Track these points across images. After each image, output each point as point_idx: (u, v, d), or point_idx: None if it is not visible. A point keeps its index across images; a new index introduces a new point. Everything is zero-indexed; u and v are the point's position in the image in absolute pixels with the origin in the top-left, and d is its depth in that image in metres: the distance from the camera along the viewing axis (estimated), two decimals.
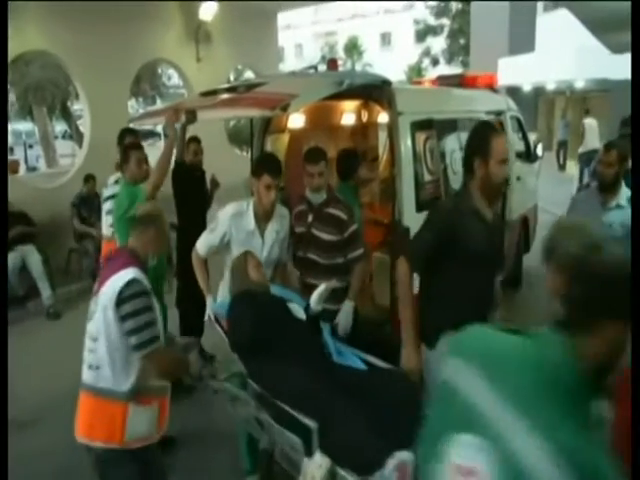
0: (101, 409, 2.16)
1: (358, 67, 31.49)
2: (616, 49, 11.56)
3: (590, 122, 13.65)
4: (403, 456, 1.90)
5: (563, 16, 9.58)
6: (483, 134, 2.35)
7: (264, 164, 2.95)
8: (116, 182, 3.73)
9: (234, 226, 2.95)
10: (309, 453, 2.08)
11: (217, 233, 2.97)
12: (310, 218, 3.17)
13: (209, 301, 2.99)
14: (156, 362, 2.14)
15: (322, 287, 2.71)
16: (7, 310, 5.46)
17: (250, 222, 2.96)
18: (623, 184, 3.33)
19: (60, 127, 22.46)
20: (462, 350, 1.25)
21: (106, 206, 3.75)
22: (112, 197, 3.70)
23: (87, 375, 2.19)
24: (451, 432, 1.16)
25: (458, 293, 2.32)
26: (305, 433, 2.11)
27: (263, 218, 2.99)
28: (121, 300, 2.03)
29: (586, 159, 12.68)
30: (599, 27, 8.63)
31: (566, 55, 16.07)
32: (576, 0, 6.52)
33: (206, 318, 2.95)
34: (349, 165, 3.77)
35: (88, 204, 6.37)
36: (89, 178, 6.55)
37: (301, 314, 2.69)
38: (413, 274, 2.37)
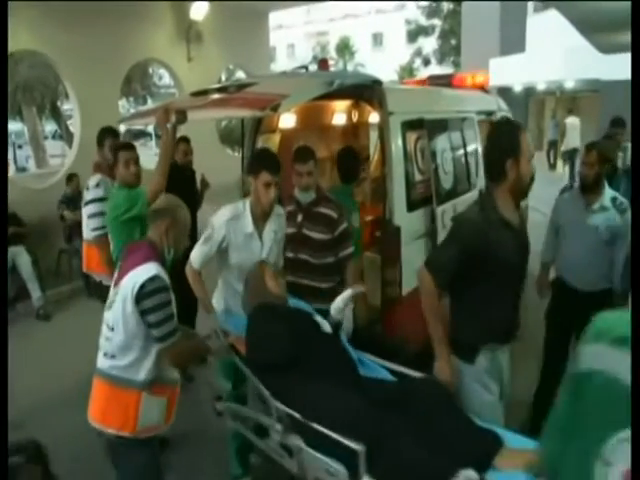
0: (115, 397, 2.18)
1: (350, 67, 31.53)
2: (605, 50, 11.65)
3: (572, 121, 13.84)
4: (470, 475, 1.73)
5: (553, 17, 9.65)
6: (511, 132, 2.20)
7: (262, 161, 2.80)
8: (97, 185, 3.65)
9: (231, 231, 2.75)
10: None
11: (213, 241, 2.75)
12: (300, 218, 3.16)
13: (212, 316, 2.78)
14: (176, 353, 2.17)
15: (346, 294, 2.57)
16: (7, 310, 5.46)
17: (248, 224, 2.78)
18: (606, 185, 3.33)
19: (50, 127, 22.29)
20: (607, 335, 1.15)
21: (87, 210, 3.66)
22: (94, 201, 3.62)
23: (102, 362, 2.21)
24: (608, 429, 1.05)
25: (489, 305, 2.21)
26: (348, 458, 1.90)
27: (261, 219, 2.83)
28: (142, 296, 2.04)
29: (569, 157, 12.82)
30: (588, 28, 8.69)
31: (556, 55, 16.18)
32: (564, 0, 6.56)
33: (212, 333, 2.61)
34: (351, 166, 3.72)
35: (74, 203, 6.33)
36: (72, 177, 6.59)
37: (326, 326, 2.54)
38: (437, 285, 2.21)
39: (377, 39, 34.70)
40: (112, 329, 2.14)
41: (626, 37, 9.48)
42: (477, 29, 19.99)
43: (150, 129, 21.21)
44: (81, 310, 5.44)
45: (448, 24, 25.89)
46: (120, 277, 2.16)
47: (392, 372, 2.46)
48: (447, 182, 4.02)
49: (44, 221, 6.58)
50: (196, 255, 2.80)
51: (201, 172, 4.77)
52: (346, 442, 1.88)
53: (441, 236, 3.74)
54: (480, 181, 4.69)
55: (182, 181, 4.25)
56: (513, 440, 1.93)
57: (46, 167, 16.29)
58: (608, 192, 3.30)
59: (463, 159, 4.40)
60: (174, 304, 2.18)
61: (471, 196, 4.45)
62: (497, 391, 2.30)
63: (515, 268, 2.24)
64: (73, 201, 6.39)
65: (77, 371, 4.25)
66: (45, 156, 17.47)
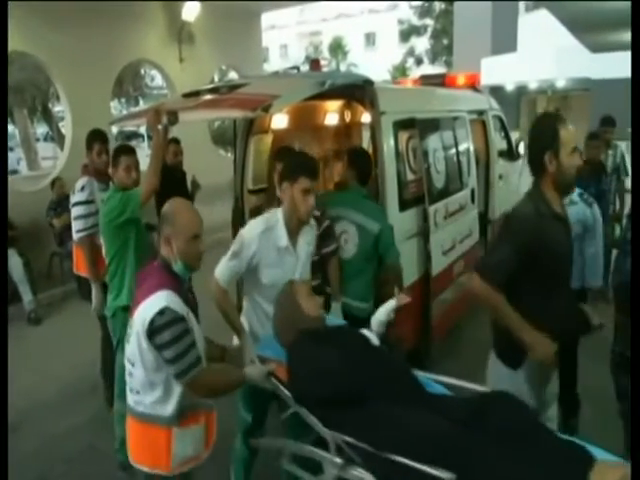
0: (144, 434, 2.04)
1: (343, 67, 31.56)
2: (595, 49, 11.71)
3: None
4: None
5: (544, 16, 9.70)
6: (548, 125, 2.16)
7: (300, 165, 2.52)
8: (82, 188, 3.65)
9: (263, 245, 2.46)
10: None
11: (243, 257, 2.44)
12: None
13: (248, 340, 2.41)
14: (201, 386, 1.98)
15: (389, 305, 2.38)
16: (7, 311, 5.43)
17: (282, 237, 2.49)
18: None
19: (41, 129, 22.17)
20: None
21: (73, 212, 3.67)
22: (78, 203, 3.64)
23: (129, 399, 2.06)
24: None
25: (540, 305, 2.11)
26: None
27: (295, 230, 2.55)
28: (153, 331, 1.87)
29: None
30: (578, 27, 8.75)
31: (547, 55, 16.29)
32: (554, 0, 6.60)
33: (247, 358, 2.29)
34: (365, 165, 3.41)
35: (61, 207, 6.28)
36: (55, 182, 6.62)
37: (374, 339, 2.32)
38: (493, 286, 2.10)
39: (370, 39, 34.74)
40: (133, 364, 1.99)
41: (616, 36, 9.55)
42: (469, 29, 20.05)
43: (142, 130, 21.15)
44: (73, 313, 5.40)
45: (440, 24, 25.97)
46: (134, 307, 1.99)
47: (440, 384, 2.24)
48: (439, 181, 4.04)
49: (36, 224, 6.54)
50: (222, 271, 2.48)
51: (192, 173, 4.76)
52: (434, 472, 1.64)
53: (433, 235, 3.76)
54: (472, 180, 4.72)
55: (173, 182, 4.24)
56: (598, 454, 1.76)
57: (38, 169, 16.17)
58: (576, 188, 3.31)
59: (455, 158, 4.42)
60: (194, 330, 1.98)
61: (463, 195, 4.48)
62: (537, 399, 2.22)
63: (567, 263, 2.16)
64: (60, 205, 6.35)
65: (69, 374, 4.25)
66: (37, 158, 17.36)
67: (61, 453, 3.46)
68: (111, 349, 3.39)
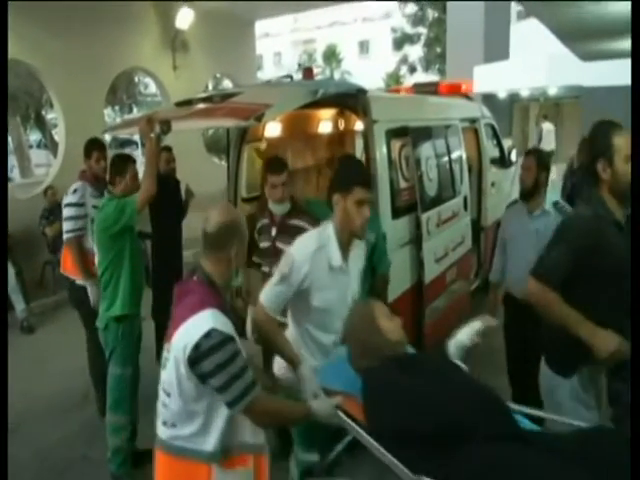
0: (180, 472, 1.78)
1: (337, 75, 31.72)
2: (585, 57, 11.84)
3: (547, 126, 14.31)
4: None
5: (536, 25, 9.80)
6: (602, 132, 2.13)
7: (354, 175, 2.30)
8: (74, 191, 3.75)
9: (315, 265, 2.21)
10: None
11: (294, 280, 2.19)
12: (274, 231, 3.12)
13: (309, 371, 2.12)
14: (261, 412, 1.76)
15: (473, 327, 2.13)
16: (7, 312, 5.39)
17: (335, 255, 2.26)
18: (547, 190, 3.26)
19: (35, 136, 22.12)
20: None
21: (65, 212, 3.77)
22: (68, 205, 3.73)
23: (162, 431, 1.80)
24: None
25: (595, 312, 2.03)
26: None
27: (346, 246, 2.31)
28: (198, 357, 1.63)
29: None
30: (568, 36, 8.84)
31: (539, 62, 16.44)
32: (544, 10, 6.67)
33: (310, 393, 2.02)
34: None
35: (54, 215, 6.27)
36: (47, 190, 6.63)
37: (465, 368, 2.07)
38: (552, 289, 2.06)
39: (364, 47, 34.95)
40: (168, 394, 1.75)
41: (605, 45, 9.66)
42: (462, 37, 20.22)
43: (136, 138, 21.13)
44: (65, 322, 5.37)
45: (433, 32, 26.17)
46: (173, 329, 1.73)
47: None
48: (432, 189, 4.06)
49: (28, 232, 6.51)
50: (270, 298, 2.23)
51: (186, 181, 4.76)
52: None
53: (426, 243, 3.77)
54: (464, 187, 4.74)
55: (166, 191, 4.24)
56: None
57: (31, 177, 16.14)
58: (550, 197, 3.26)
59: (447, 166, 4.44)
60: (243, 349, 1.75)
61: (456, 202, 4.51)
62: (595, 406, 2.18)
63: (624, 271, 2.10)
64: (52, 213, 6.34)
65: (61, 383, 4.23)
66: (30, 165, 17.32)
67: (54, 463, 3.43)
68: (101, 358, 3.39)
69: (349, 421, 1.86)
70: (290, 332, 2.39)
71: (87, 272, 3.67)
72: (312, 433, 2.33)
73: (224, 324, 1.68)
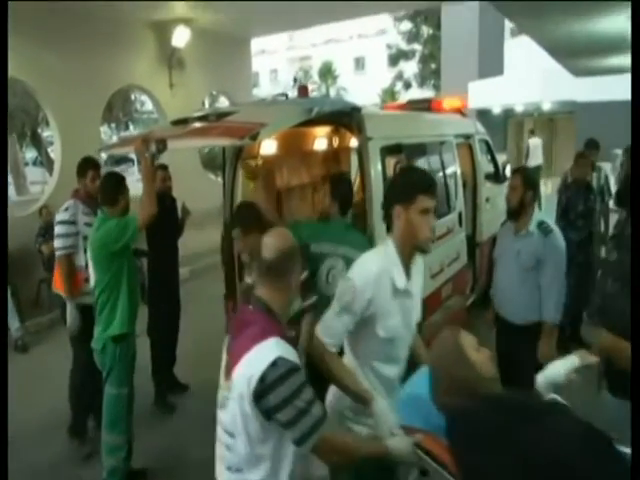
0: None
1: (333, 91, 31.99)
2: (578, 73, 11.99)
3: (534, 141, 14.51)
4: None
5: (529, 41, 9.96)
6: None
7: (417, 182, 2.04)
8: (66, 209, 3.75)
9: (380, 289, 1.97)
10: None
11: (357, 308, 1.96)
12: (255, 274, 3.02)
13: (384, 405, 1.91)
14: (329, 450, 1.64)
15: (570, 363, 1.84)
16: (7, 314, 5.35)
17: (400, 276, 2.01)
18: (536, 210, 3.21)
19: (30, 154, 22.17)
20: None
21: (56, 230, 3.75)
22: (59, 222, 3.72)
23: (226, 477, 1.69)
24: None
25: None
26: None
27: (408, 263, 2.06)
28: (265, 390, 1.52)
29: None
30: (560, 53, 8.97)
31: (533, 78, 16.65)
32: (535, 27, 6.78)
33: (386, 429, 1.84)
34: (346, 193, 3.27)
35: (50, 233, 6.27)
36: (42, 210, 6.64)
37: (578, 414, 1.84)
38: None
39: (359, 63, 35.31)
40: (232, 435, 1.63)
41: (596, 61, 9.80)
42: (456, 53, 20.51)
43: (132, 155, 21.20)
44: (60, 341, 5.33)
45: (428, 49, 26.52)
46: (231, 365, 1.62)
47: None
48: None
49: (24, 249, 6.48)
50: (330, 332, 2.00)
51: (182, 198, 4.77)
52: None
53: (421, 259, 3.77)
54: (459, 203, 4.76)
55: (163, 209, 4.24)
56: None
57: (26, 194, 16.13)
58: (537, 217, 3.17)
59: (442, 182, 4.46)
60: (307, 379, 1.62)
61: (451, 218, 4.52)
62: None
63: None
64: (48, 231, 6.34)
65: (56, 402, 4.18)
66: (25, 183, 17.33)
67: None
68: (88, 378, 3.36)
69: (431, 461, 1.68)
70: (349, 362, 2.14)
71: (71, 290, 3.65)
72: (383, 473, 2.08)
73: (289, 353, 1.59)
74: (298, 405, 1.53)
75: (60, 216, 3.76)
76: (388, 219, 2.06)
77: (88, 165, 3.85)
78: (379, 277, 1.96)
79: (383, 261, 2.00)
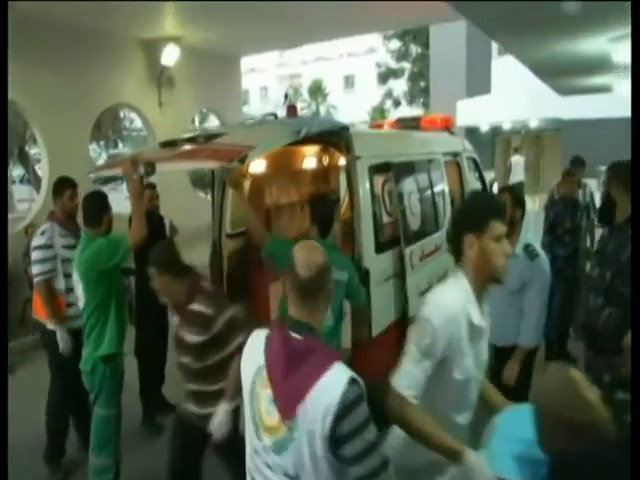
0: None
1: (322, 109, 32.27)
2: (563, 92, 12.21)
3: (517, 159, 14.79)
4: None
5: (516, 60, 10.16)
6: None
7: (489, 208, 1.89)
8: (42, 233, 3.64)
9: (457, 328, 1.79)
10: None
11: (437, 352, 1.76)
12: (176, 319, 2.84)
13: (478, 457, 1.66)
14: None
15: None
16: (7, 314, 5.23)
17: (475, 311, 1.84)
18: (523, 230, 3.19)
19: (17, 171, 22.04)
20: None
21: (33, 256, 3.64)
22: (35, 248, 3.61)
23: None
24: None
25: None
26: None
27: (481, 296, 1.89)
28: (344, 414, 1.41)
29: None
30: (543, 72, 9.14)
31: (520, 96, 16.92)
32: (519, 47, 6.90)
33: None
34: (327, 214, 3.20)
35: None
36: (28, 228, 6.63)
37: None
38: None
39: (349, 81, 35.71)
40: (294, 477, 1.50)
41: (580, 81, 9.98)
42: (444, 72, 20.83)
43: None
44: (45, 361, 5.28)
45: (417, 67, 26.89)
46: (291, 405, 1.47)
47: None
48: (414, 223, 4.09)
49: (9, 268, 6.41)
50: (411, 382, 1.76)
51: (170, 217, 4.76)
52: None
53: (410, 277, 3.78)
54: (447, 221, 4.79)
55: (150, 227, 4.23)
56: None
57: (13, 212, 15.99)
58: (523, 239, 3.14)
59: (430, 200, 4.49)
60: None
61: (439, 236, 4.54)
62: None
63: None
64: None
65: (41, 423, 4.10)
66: (12, 201, 17.18)
67: None
68: (66, 402, 3.30)
69: None
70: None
71: (56, 315, 3.58)
72: None
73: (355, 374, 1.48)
74: (367, 437, 1.43)
75: (36, 241, 3.65)
76: (457, 250, 1.90)
77: (65, 184, 3.76)
78: (458, 314, 1.78)
79: (460, 296, 1.82)
